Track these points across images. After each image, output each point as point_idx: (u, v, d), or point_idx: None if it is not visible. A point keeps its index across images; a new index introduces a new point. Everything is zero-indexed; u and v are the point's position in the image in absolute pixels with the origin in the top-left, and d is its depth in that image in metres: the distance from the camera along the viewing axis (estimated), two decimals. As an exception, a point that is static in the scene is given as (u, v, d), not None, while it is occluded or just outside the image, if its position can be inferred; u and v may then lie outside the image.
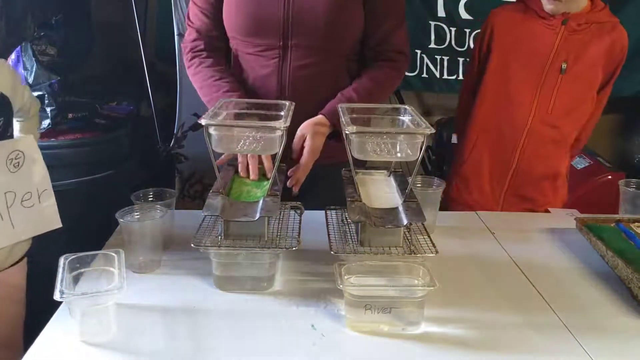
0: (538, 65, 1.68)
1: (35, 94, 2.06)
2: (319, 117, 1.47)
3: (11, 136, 1.33)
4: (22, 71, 2.13)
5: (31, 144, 1.30)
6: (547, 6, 1.65)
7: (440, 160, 3.10)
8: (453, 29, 2.92)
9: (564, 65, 1.66)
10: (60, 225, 1.34)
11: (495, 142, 1.76)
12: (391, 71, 1.58)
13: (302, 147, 1.42)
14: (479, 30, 2.89)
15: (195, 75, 1.57)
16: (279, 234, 1.22)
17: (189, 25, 1.60)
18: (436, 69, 3.01)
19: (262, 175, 1.37)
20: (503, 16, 1.76)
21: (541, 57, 1.68)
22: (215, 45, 1.59)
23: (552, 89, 1.68)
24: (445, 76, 3.00)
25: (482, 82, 1.76)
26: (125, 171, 2.28)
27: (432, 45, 2.96)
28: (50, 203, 1.31)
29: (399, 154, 1.16)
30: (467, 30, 2.94)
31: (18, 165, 1.25)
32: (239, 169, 1.37)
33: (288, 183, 1.40)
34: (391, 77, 1.59)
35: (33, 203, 1.27)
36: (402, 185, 1.31)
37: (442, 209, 1.51)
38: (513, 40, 1.71)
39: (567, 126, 1.74)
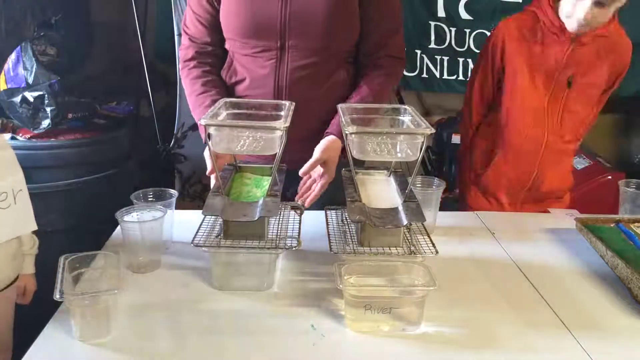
0: (547, 79, 1.67)
1: (35, 94, 2.07)
2: (333, 139, 1.46)
3: None
4: (22, 71, 2.13)
5: (3, 144, 1.27)
6: (572, 25, 1.60)
7: (440, 160, 3.10)
8: (453, 29, 2.92)
9: (570, 79, 1.66)
10: (35, 227, 1.32)
11: (516, 157, 1.78)
12: (389, 78, 1.58)
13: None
14: (479, 31, 2.91)
15: (185, 87, 1.60)
16: (279, 234, 1.22)
17: (184, 31, 1.62)
18: (436, 69, 3.01)
19: (261, 176, 1.37)
20: (513, 30, 1.71)
21: (550, 71, 1.67)
22: (208, 52, 1.59)
23: (560, 102, 1.69)
24: (445, 76, 3.00)
25: (501, 96, 1.75)
26: (125, 171, 2.28)
27: (432, 45, 2.96)
28: (25, 204, 1.27)
29: (399, 154, 1.16)
30: (467, 31, 2.94)
31: None
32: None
33: (299, 199, 1.42)
34: (389, 84, 1.60)
35: (9, 204, 1.23)
36: (402, 186, 1.31)
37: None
38: (524, 55, 1.68)
39: (571, 135, 1.77)
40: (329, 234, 1.26)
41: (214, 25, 1.56)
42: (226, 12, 1.52)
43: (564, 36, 1.63)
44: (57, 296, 0.98)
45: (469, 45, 2.95)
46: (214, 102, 1.49)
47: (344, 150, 1.45)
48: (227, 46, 1.58)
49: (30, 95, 2.07)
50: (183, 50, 1.61)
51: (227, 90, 1.58)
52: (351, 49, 1.57)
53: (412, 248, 1.18)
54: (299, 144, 1.53)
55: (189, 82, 1.57)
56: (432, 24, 2.93)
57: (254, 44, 1.50)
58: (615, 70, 1.70)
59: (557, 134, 1.74)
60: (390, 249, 1.18)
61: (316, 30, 1.47)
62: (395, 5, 1.56)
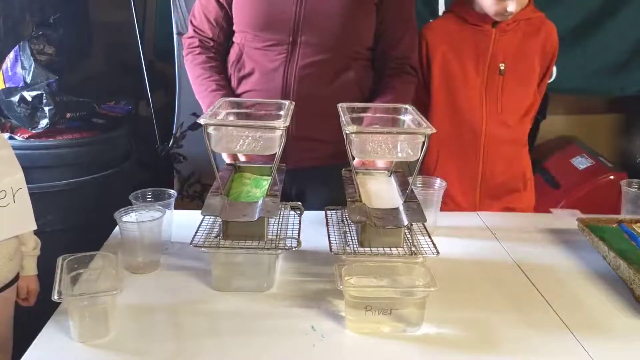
0: (479, 70, 1.70)
1: (33, 93, 2.06)
2: None
3: None
4: (20, 70, 2.12)
5: (3, 142, 1.27)
6: (492, 7, 1.61)
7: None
8: (454, 28, 2.91)
9: (502, 66, 1.70)
10: (35, 227, 1.31)
11: (458, 152, 1.77)
12: (413, 86, 1.65)
13: None
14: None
15: (189, 72, 1.64)
16: (278, 234, 1.22)
17: (191, 21, 1.65)
18: (436, 68, 2.99)
19: (261, 175, 1.36)
20: (435, 29, 1.77)
21: (479, 62, 1.70)
22: (210, 46, 1.62)
23: (497, 91, 1.71)
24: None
25: (430, 96, 1.76)
26: (124, 171, 2.27)
27: (432, 44, 2.95)
28: (25, 203, 1.27)
29: (399, 154, 1.15)
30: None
31: None
32: None
33: None
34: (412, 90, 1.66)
35: (8, 202, 1.23)
36: (403, 186, 1.30)
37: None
38: (449, 50, 1.72)
39: (518, 124, 1.77)
40: (329, 234, 1.25)
41: (219, 24, 1.59)
42: (241, 3, 1.53)
43: (486, 25, 1.68)
44: (55, 297, 0.98)
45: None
46: (218, 86, 1.54)
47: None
48: (237, 39, 1.58)
49: (28, 95, 2.06)
50: (187, 38, 1.65)
51: (235, 82, 1.60)
52: (363, 50, 1.58)
53: (413, 249, 1.18)
54: (303, 142, 1.52)
55: (193, 66, 1.61)
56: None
57: (266, 38, 1.51)
58: (545, 53, 1.73)
59: (501, 122, 1.73)
60: (390, 250, 1.17)
61: (329, 27, 1.48)
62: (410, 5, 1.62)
